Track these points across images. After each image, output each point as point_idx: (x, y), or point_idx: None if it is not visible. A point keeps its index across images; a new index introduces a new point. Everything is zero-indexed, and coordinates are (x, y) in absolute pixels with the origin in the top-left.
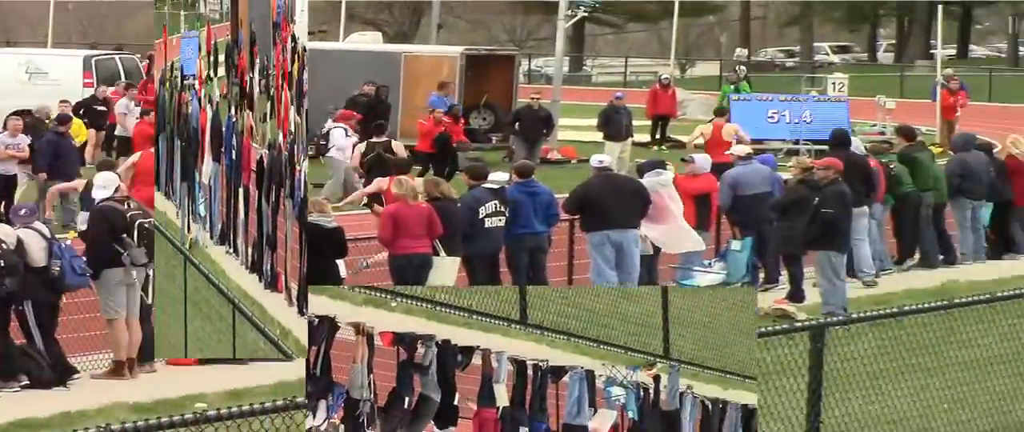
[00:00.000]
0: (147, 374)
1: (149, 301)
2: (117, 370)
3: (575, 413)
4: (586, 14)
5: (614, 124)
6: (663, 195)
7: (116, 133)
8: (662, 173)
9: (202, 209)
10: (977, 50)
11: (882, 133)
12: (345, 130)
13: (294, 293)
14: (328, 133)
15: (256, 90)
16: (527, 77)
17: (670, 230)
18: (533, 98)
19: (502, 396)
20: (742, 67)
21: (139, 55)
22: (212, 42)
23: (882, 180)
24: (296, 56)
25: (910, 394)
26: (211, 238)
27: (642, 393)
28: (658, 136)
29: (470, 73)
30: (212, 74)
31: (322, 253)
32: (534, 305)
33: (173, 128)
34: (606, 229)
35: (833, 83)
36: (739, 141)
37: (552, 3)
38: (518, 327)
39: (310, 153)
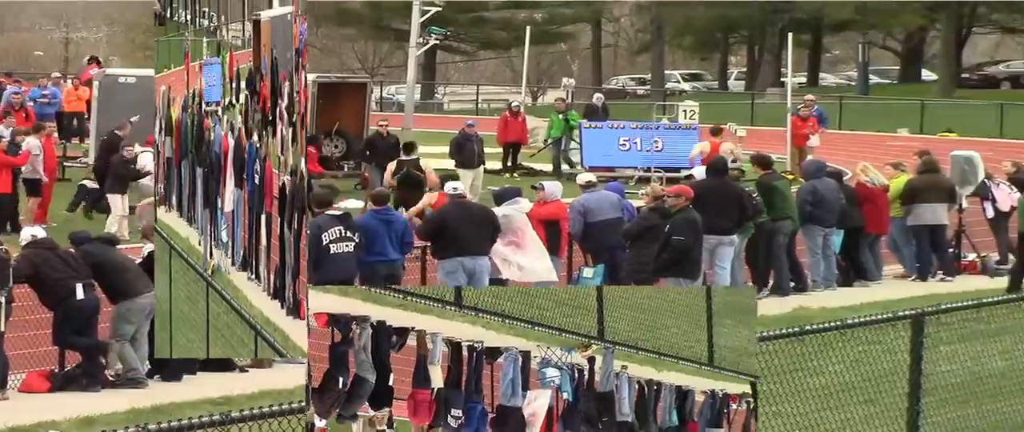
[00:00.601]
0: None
1: (2, 328)
2: None
3: (510, 394)
4: (438, 42)
5: (466, 151)
6: (525, 222)
7: None
8: (520, 201)
9: (224, 235)
10: (827, 78)
11: (735, 160)
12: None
13: None
14: (136, 157)
15: (285, 116)
16: (379, 105)
17: (535, 258)
18: (381, 125)
19: (437, 377)
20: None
21: None
22: (234, 68)
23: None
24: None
25: (762, 421)
26: (233, 264)
27: (577, 374)
28: (510, 163)
29: (322, 100)
30: (234, 100)
31: None
32: (469, 286)
33: (194, 155)
34: (460, 256)
35: (684, 111)
36: (734, 160)
37: (404, 30)
38: (453, 308)
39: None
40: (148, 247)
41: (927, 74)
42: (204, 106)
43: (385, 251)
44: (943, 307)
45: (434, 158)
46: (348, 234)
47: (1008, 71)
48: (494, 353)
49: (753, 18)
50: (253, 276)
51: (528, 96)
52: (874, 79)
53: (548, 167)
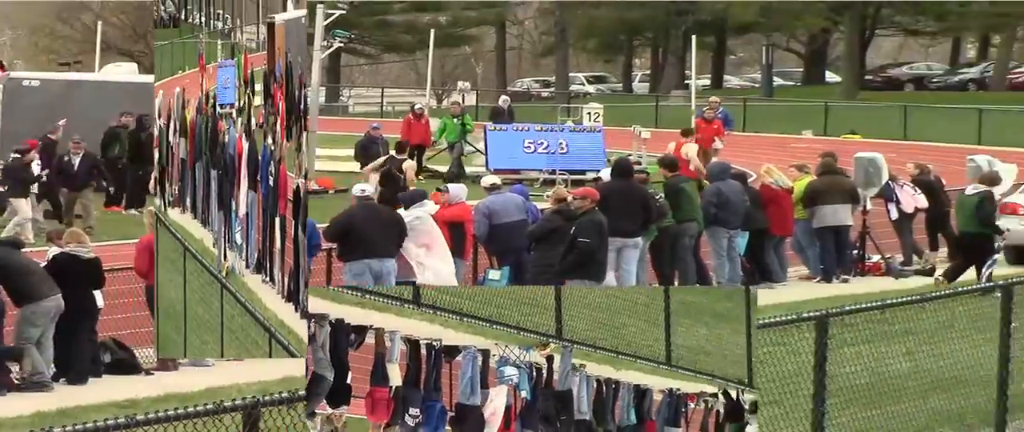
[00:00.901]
0: None
1: None
2: None
3: (469, 393)
4: (342, 45)
5: (371, 154)
6: (434, 225)
7: None
8: (426, 203)
9: (238, 237)
10: (732, 80)
11: (639, 162)
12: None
13: None
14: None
15: (301, 121)
16: None
17: (440, 260)
18: None
19: (395, 375)
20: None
21: None
22: (249, 71)
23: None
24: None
25: None
26: (247, 267)
27: (535, 373)
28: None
29: None
30: (248, 103)
31: (77, 284)
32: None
33: (209, 157)
34: (367, 258)
35: (589, 113)
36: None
37: (308, 33)
38: (411, 306)
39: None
40: (53, 250)
41: (831, 76)
42: (218, 108)
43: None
44: (847, 308)
45: (339, 161)
46: None
47: (911, 73)
48: (453, 351)
49: (657, 20)
50: (268, 279)
51: (432, 99)
52: (778, 81)
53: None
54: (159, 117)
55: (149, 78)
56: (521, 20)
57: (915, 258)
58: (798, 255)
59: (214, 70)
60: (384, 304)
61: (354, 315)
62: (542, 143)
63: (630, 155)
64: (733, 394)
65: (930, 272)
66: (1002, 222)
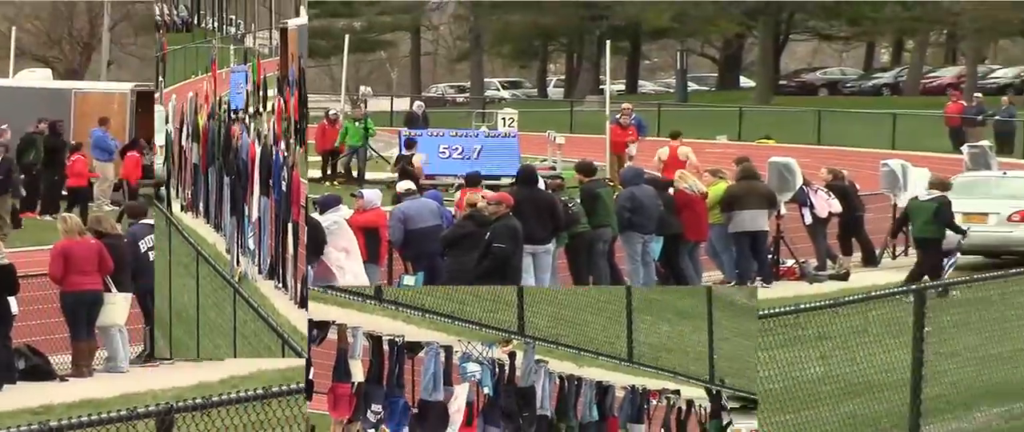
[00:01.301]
0: None
1: None
2: None
3: (431, 389)
4: None
5: None
6: (349, 228)
7: None
8: (341, 208)
9: (251, 243)
10: (646, 85)
11: (553, 168)
12: None
13: None
14: None
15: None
16: None
17: (359, 266)
18: None
19: (358, 371)
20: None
21: None
22: (262, 76)
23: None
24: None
25: None
26: (260, 272)
27: (498, 369)
28: (329, 171)
29: (141, 109)
30: (261, 109)
31: None
32: None
33: (222, 162)
34: None
35: (503, 118)
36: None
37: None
38: (374, 302)
39: None
40: None
41: (745, 81)
42: (231, 113)
43: None
44: (761, 313)
45: None
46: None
47: (825, 78)
48: (415, 347)
49: (571, 26)
50: (280, 285)
51: (347, 104)
52: (692, 86)
53: (372, 175)
54: (168, 122)
55: (63, 84)
56: (436, 25)
57: (829, 263)
58: (713, 260)
59: (226, 75)
60: (346, 300)
61: (316, 311)
62: (457, 148)
63: (544, 160)
64: (713, 394)
65: (844, 277)
66: None
